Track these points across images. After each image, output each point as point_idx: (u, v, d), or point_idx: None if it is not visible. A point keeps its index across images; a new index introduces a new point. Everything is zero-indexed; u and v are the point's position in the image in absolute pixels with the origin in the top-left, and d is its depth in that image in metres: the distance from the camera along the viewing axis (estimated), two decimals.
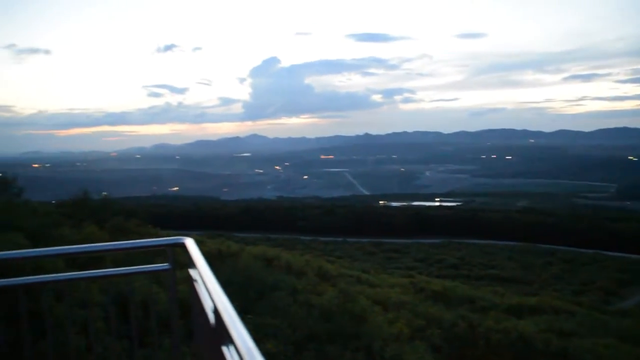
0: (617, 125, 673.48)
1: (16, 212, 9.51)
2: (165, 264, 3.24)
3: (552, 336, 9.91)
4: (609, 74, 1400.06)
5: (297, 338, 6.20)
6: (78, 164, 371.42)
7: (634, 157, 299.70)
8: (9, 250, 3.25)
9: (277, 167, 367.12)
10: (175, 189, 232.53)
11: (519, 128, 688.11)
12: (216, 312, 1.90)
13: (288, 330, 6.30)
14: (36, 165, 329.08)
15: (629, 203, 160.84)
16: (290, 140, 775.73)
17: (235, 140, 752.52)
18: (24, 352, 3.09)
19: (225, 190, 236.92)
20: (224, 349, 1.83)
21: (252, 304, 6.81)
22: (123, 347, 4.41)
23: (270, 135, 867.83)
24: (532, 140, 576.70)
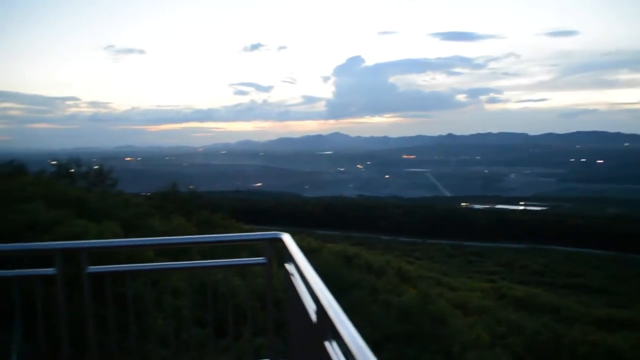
0: None
1: (111, 202, 10.02)
2: (261, 258, 3.35)
3: None
4: None
5: (375, 337, 6.20)
6: (167, 158, 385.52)
7: None
8: (107, 238, 3.46)
9: (359, 166, 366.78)
10: (258, 184, 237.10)
11: (612, 130, 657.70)
12: (319, 307, 1.91)
13: (367, 329, 6.30)
14: (129, 159, 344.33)
15: None
16: (372, 139, 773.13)
17: (317, 138, 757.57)
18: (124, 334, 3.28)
19: (306, 187, 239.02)
20: (327, 344, 1.81)
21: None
22: (207, 335, 4.58)
23: (352, 134, 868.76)
24: (627, 144, 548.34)
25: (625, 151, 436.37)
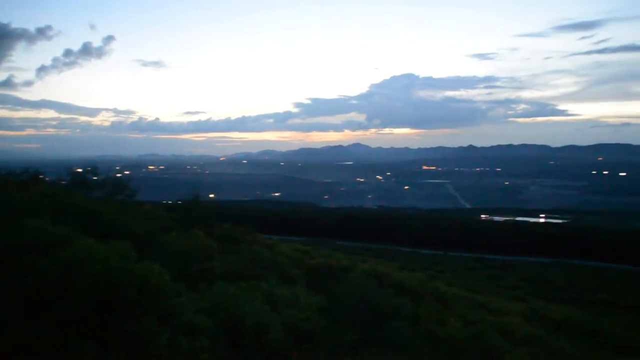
0: None
1: (128, 215, 9.42)
2: None
3: None
4: None
5: None
6: (188, 167, 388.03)
7: None
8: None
9: (379, 177, 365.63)
10: (278, 194, 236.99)
11: (635, 143, 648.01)
12: None
13: None
14: (152, 167, 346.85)
15: None
16: (392, 150, 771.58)
17: (338, 148, 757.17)
18: None
19: (326, 197, 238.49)
20: None
21: (371, 333, 6.15)
22: None
23: (373, 145, 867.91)
24: None
25: None
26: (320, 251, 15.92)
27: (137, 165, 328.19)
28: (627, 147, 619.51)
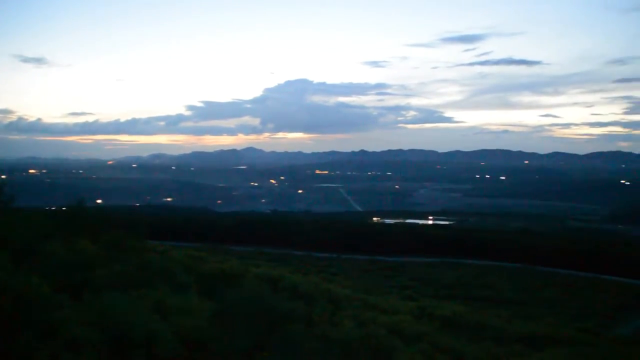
0: (611, 149, 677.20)
1: (6, 223, 8.79)
2: None
3: None
4: (605, 99, 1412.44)
5: None
6: (74, 171, 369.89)
7: (627, 181, 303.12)
8: None
9: (273, 181, 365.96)
10: (170, 199, 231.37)
11: (514, 149, 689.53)
12: None
13: None
14: (33, 171, 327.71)
15: (620, 226, 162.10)
16: (286, 154, 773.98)
17: (231, 152, 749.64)
18: None
19: (219, 202, 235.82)
20: None
21: (266, 338, 6.10)
22: None
23: (267, 149, 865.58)
24: (527, 162, 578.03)
25: (525, 168, 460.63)
26: (213, 257, 15.69)
27: (15, 168, 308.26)
28: (507, 152, 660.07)
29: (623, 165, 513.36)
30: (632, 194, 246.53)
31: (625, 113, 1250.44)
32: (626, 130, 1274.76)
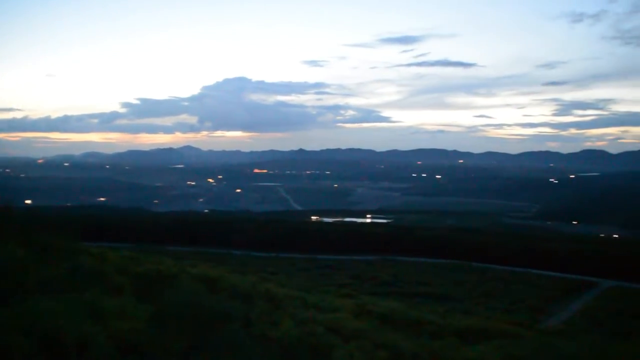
0: (540, 149, 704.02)
1: None
2: None
3: None
4: (536, 101, 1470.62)
5: None
6: (0, 170, 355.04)
7: (555, 180, 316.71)
8: None
9: (210, 180, 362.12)
10: (104, 199, 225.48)
11: (450, 149, 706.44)
12: None
13: None
14: None
15: (549, 223, 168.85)
16: (224, 153, 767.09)
17: (168, 151, 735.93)
18: None
19: (156, 202, 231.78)
20: None
21: (203, 339, 6.01)
22: None
23: (205, 148, 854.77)
24: (462, 161, 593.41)
25: (460, 167, 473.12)
26: (149, 258, 15.36)
27: None
28: (443, 152, 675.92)
29: (552, 164, 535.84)
30: (560, 192, 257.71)
31: (554, 115, 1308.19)
32: (555, 131, 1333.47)
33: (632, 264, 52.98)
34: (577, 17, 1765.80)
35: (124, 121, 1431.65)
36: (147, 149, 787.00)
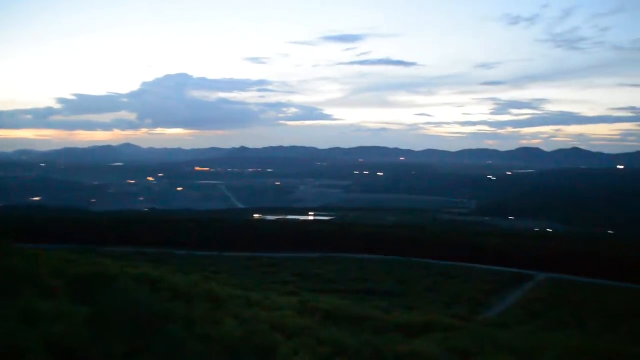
0: (479, 147, 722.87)
1: None
2: None
3: (456, 357, 9.80)
4: (475, 100, 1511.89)
5: None
6: None
7: (492, 177, 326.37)
8: None
9: (151, 178, 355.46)
10: (38, 198, 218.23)
11: (391, 146, 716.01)
12: None
13: None
14: None
15: (487, 218, 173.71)
16: (165, 150, 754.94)
17: (106, 149, 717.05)
18: None
19: (93, 201, 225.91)
20: None
21: (144, 341, 5.87)
22: None
23: (145, 145, 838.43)
24: (403, 159, 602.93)
25: (401, 165, 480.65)
26: (87, 259, 14.94)
27: None
28: (384, 149, 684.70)
29: (490, 162, 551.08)
30: (497, 189, 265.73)
31: (492, 113, 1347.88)
32: (492, 129, 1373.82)
33: (565, 257, 55.22)
34: (514, 20, 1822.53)
35: (59, 117, 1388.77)
36: (84, 146, 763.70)
